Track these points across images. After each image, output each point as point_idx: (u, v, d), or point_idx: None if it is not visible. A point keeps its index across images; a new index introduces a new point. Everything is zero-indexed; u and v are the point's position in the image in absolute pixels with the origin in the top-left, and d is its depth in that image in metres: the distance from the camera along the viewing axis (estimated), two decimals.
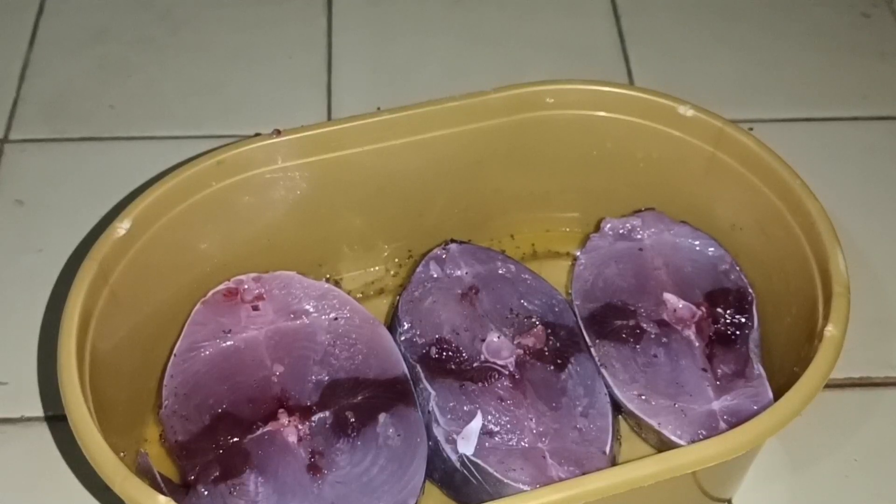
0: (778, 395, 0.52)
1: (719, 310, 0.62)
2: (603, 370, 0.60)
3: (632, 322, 0.62)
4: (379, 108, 0.67)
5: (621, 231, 0.66)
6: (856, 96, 0.84)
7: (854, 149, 0.80)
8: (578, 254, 0.67)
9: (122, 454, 0.50)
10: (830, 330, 0.53)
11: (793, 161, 0.61)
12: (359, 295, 0.69)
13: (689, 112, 0.63)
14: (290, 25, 0.89)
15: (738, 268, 0.63)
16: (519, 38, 0.88)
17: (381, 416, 0.58)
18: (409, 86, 0.84)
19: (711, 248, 0.64)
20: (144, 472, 0.54)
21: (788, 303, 0.60)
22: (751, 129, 0.70)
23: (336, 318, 0.63)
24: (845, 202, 0.74)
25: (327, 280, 0.69)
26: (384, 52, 0.87)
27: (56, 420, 0.64)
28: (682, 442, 0.57)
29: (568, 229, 0.72)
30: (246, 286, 0.63)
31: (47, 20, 0.89)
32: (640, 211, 0.67)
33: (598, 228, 0.67)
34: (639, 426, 0.60)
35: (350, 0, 0.91)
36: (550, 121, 0.65)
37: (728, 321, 0.61)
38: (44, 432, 0.63)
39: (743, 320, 0.61)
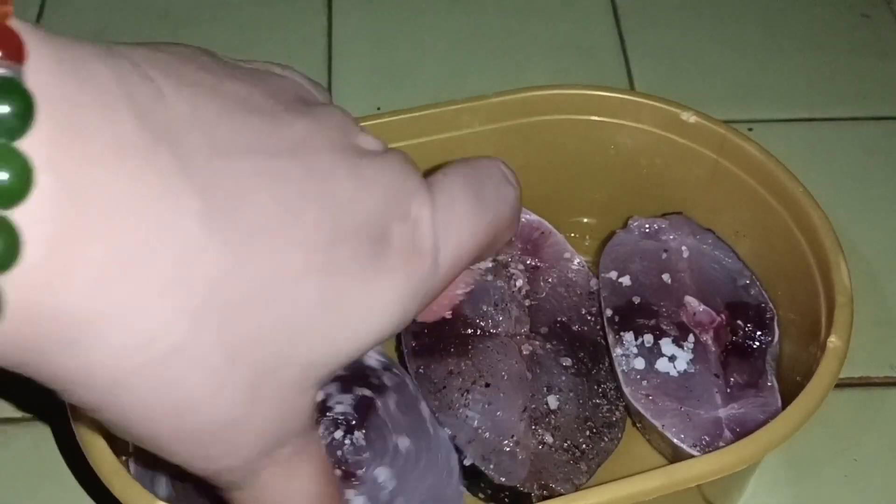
0: (783, 406, 0.52)
1: (739, 322, 0.61)
2: (618, 368, 0.59)
3: (652, 322, 0.61)
4: (379, 109, 0.67)
5: (647, 230, 0.65)
6: (856, 96, 0.84)
7: (854, 149, 0.80)
8: (608, 245, 0.65)
9: (122, 458, 0.50)
10: (833, 341, 0.52)
11: (793, 162, 0.61)
12: None
13: (692, 118, 0.62)
14: (290, 25, 0.89)
15: (758, 283, 0.62)
16: (519, 39, 0.88)
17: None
18: (409, 86, 0.84)
19: (729, 260, 0.63)
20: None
21: (792, 312, 0.59)
22: (750, 129, 0.70)
23: None
24: (845, 202, 0.74)
25: None
26: (384, 52, 0.87)
27: (56, 420, 0.64)
28: (684, 445, 0.56)
29: (572, 234, 0.71)
30: None
31: (47, 20, 0.88)
32: (667, 214, 0.66)
33: (625, 225, 0.66)
34: (643, 425, 0.60)
35: (350, 0, 0.91)
36: (552, 126, 0.65)
37: (747, 334, 0.60)
38: (44, 432, 0.63)
39: (762, 335, 0.60)
